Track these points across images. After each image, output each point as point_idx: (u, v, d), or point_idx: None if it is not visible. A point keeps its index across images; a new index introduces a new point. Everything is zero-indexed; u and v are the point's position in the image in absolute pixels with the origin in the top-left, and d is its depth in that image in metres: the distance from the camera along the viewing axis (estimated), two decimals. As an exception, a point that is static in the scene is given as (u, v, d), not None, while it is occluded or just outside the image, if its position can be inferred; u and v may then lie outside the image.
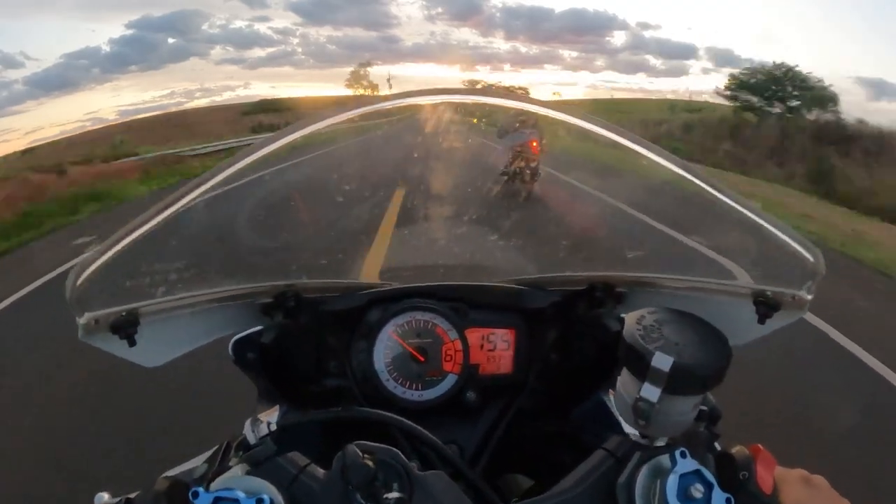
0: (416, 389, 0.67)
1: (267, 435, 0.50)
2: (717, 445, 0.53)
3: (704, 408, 0.55)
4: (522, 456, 0.69)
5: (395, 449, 0.43)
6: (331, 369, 0.71)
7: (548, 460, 0.67)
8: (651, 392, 0.43)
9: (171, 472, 0.46)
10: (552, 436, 0.70)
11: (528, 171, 5.94)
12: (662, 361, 0.42)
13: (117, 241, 0.47)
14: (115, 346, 0.54)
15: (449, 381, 0.68)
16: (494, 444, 0.68)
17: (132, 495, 0.38)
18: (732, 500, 0.39)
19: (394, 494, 0.39)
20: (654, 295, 0.66)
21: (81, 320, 0.49)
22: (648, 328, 0.46)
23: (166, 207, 0.49)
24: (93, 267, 0.47)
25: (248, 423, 0.54)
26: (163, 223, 0.50)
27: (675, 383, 0.42)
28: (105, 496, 0.39)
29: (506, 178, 6.30)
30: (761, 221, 0.49)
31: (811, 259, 0.48)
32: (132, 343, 0.53)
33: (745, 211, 0.49)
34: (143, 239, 0.50)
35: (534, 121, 5.87)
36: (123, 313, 0.52)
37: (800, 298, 0.50)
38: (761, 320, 0.53)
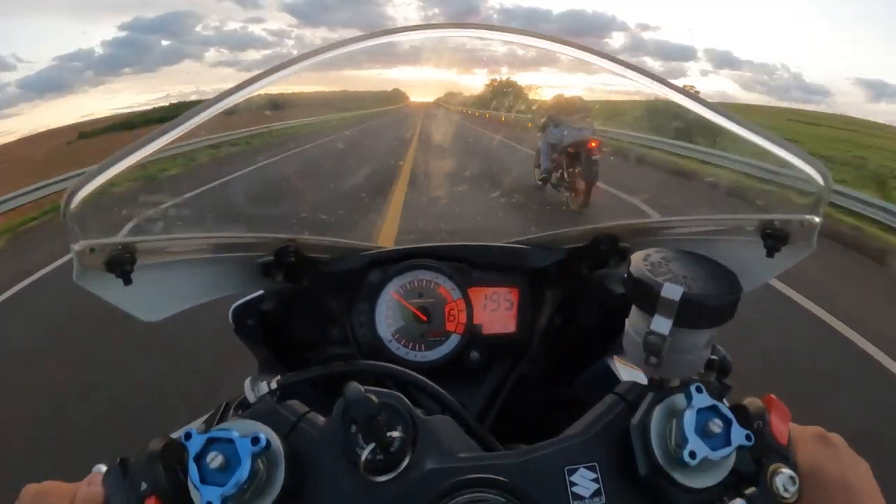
0: (420, 350, 0.66)
1: (267, 393, 0.49)
2: (726, 402, 0.51)
3: (714, 357, 0.54)
4: (526, 424, 0.68)
5: (398, 393, 0.42)
6: (333, 336, 0.70)
7: (552, 427, 0.65)
8: (662, 324, 0.42)
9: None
10: (556, 402, 0.69)
11: (583, 178, 4.81)
12: (672, 291, 0.41)
13: (114, 163, 0.46)
14: (111, 291, 0.52)
15: (452, 341, 0.67)
16: (499, 406, 0.67)
17: (128, 457, 0.37)
18: (752, 436, 0.38)
19: (395, 434, 0.38)
20: (661, 246, 0.65)
21: (76, 247, 0.47)
22: (656, 264, 0.45)
23: (165, 132, 0.48)
24: (88, 190, 0.46)
25: (247, 382, 0.52)
26: (165, 150, 0.48)
27: (685, 315, 0.41)
28: (103, 467, 0.38)
29: (542, 182, 5.41)
30: (761, 140, 0.47)
31: (818, 179, 0.47)
32: (128, 281, 0.51)
33: (742, 129, 0.47)
34: (143, 168, 0.48)
35: (587, 108, 5.01)
36: (119, 247, 0.51)
37: (809, 223, 0.48)
38: (770, 254, 0.52)
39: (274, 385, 0.53)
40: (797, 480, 0.40)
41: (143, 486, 0.34)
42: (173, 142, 0.49)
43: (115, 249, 0.50)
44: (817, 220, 0.48)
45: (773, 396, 0.46)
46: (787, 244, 0.52)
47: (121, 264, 0.50)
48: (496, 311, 0.69)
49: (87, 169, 0.46)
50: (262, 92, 0.53)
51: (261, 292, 0.67)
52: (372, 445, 0.37)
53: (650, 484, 0.39)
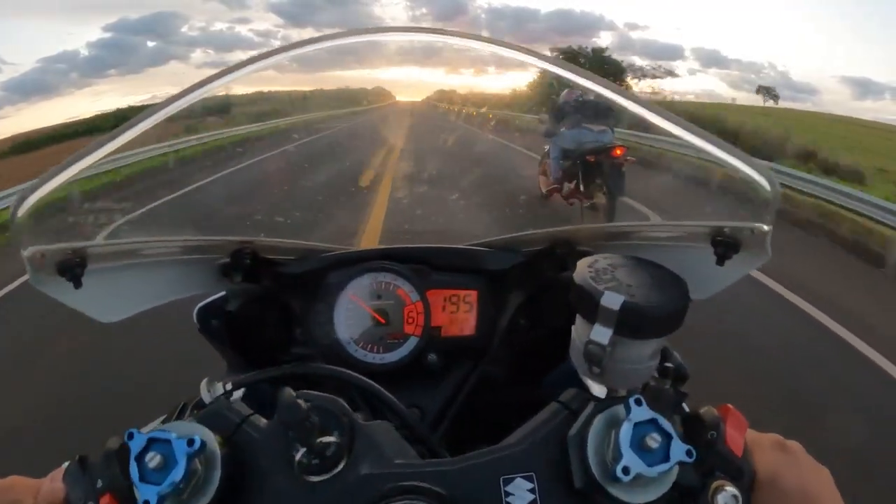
0: (378, 353, 0.66)
1: (222, 394, 0.49)
2: (686, 407, 0.50)
3: (670, 365, 0.53)
4: (490, 426, 0.67)
5: (337, 398, 0.42)
6: (297, 336, 0.70)
7: (515, 430, 0.65)
8: (601, 334, 0.41)
9: None
10: (520, 404, 0.68)
11: (604, 191, 3.99)
12: (612, 300, 0.40)
13: (63, 169, 0.46)
14: (65, 294, 0.53)
15: (410, 344, 0.67)
16: (457, 409, 0.67)
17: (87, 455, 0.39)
18: (693, 451, 0.37)
19: (329, 438, 0.38)
20: (615, 251, 0.65)
21: (26, 253, 0.48)
22: (601, 271, 0.44)
23: (117, 136, 0.48)
24: (37, 196, 0.46)
25: (203, 383, 0.53)
26: (117, 153, 0.49)
27: (626, 324, 0.40)
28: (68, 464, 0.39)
29: (549, 194, 4.60)
30: (709, 146, 0.45)
31: (766, 185, 0.45)
32: (78, 284, 0.51)
33: (689, 135, 0.46)
34: (94, 172, 0.48)
35: (607, 108, 3.99)
36: (70, 251, 0.51)
37: (759, 231, 0.47)
38: (720, 261, 0.50)
39: (229, 386, 0.54)
40: (741, 499, 0.39)
41: (100, 483, 0.36)
42: (122, 147, 0.49)
43: (65, 254, 0.50)
44: (766, 228, 0.46)
45: (729, 406, 0.44)
46: (740, 252, 0.50)
47: (71, 268, 0.51)
48: (455, 313, 0.69)
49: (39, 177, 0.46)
50: (229, 92, 0.52)
51: (223, 293, 0.67)
52: (302, 449, 0.37)
53: (586, 497, 0.38)
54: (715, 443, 0.41)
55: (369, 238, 3.85)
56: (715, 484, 0.40)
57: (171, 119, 0.50)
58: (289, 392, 0.38)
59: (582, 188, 4.19)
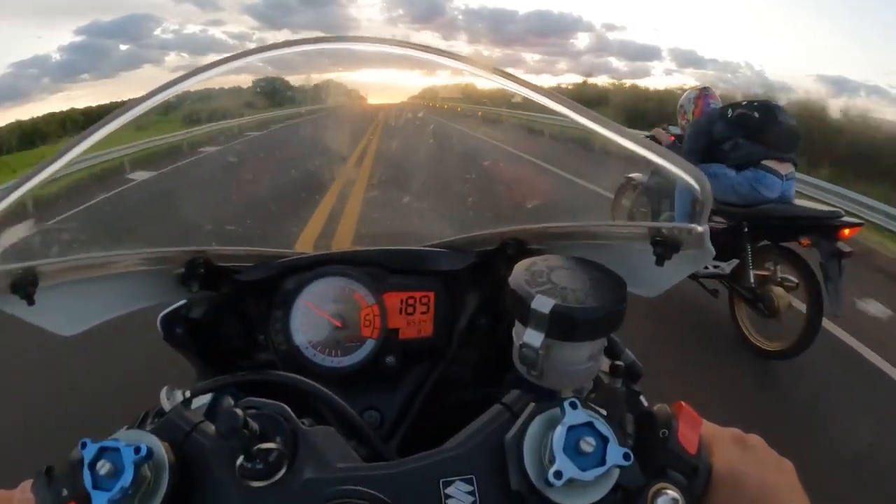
0: (336, 356, 0.66)
1: (181, 402, 0.50)
2: (645, 402, 0.50)
3: (620, 363, 0.52)
4: (454, 428, 0.67)
5: (282, 404, 0.42)
6: (260, 343, 0.70)
7: None
8: (534, 337, 0.41)
9: None
10: (483, 404, 0.68)
11: (809, 298, 2.18)
12: (543, 304, 0.40)
13: (12, 192, 0.47)
14: (22, 310, 0.54)
15: (367, 347, 0.66)
16: (417, 410, 0.66)
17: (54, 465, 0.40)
18: (631, 454, 0.36)
19: (270, 445, 0.38)
20: (564, 250, 0.64)
21: None
22: (537, 273, 0.44)
23: (62, 155, 0.48)
24: None
25: (163, 392, 0.54)
26: (61, 173, 0.49)
27: (557, 327, 0.40)
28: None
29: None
30: (645, 151, 0.46)
31: (696, 187, 0.45)
32: (31, 302, 0.52)
33: (627, 141, 0.46)
34: (41, 192, 0.49)
35: (795, 131, 2.44)
36: (21, 270, 0.52)
37: (696, 232, 0.46)
38: (659, 262, 0.50)
39: (188, 394, 0.54)
40: (682, 502, 0.38)
41: (64, 492, 0.37)
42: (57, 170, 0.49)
43: (15, 274, 0.51)
44: (700, 228, 0.46)
45: (682, 403, 0.44)
46: (681, 252, 0.50)
47: (23, 286, 0.51)
48: (413, 314, 0.69)
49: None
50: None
51: (184, 301, 0.67)
52: (241, 457, 0.38)
53: (525, 501, 0.38)
54: (667, 441, 0.40)
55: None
56: (656, 486, 0.39)
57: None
58: (227, 401, 0.39)
59: (752, 282, 2.27)
